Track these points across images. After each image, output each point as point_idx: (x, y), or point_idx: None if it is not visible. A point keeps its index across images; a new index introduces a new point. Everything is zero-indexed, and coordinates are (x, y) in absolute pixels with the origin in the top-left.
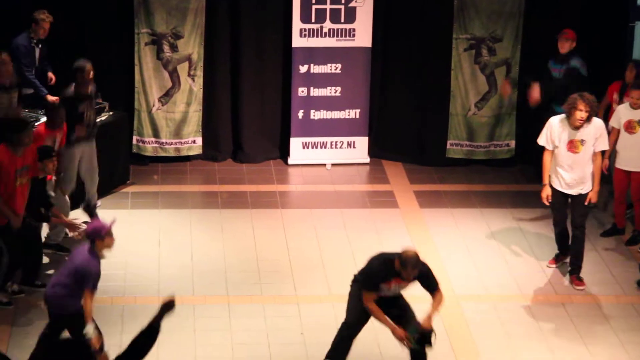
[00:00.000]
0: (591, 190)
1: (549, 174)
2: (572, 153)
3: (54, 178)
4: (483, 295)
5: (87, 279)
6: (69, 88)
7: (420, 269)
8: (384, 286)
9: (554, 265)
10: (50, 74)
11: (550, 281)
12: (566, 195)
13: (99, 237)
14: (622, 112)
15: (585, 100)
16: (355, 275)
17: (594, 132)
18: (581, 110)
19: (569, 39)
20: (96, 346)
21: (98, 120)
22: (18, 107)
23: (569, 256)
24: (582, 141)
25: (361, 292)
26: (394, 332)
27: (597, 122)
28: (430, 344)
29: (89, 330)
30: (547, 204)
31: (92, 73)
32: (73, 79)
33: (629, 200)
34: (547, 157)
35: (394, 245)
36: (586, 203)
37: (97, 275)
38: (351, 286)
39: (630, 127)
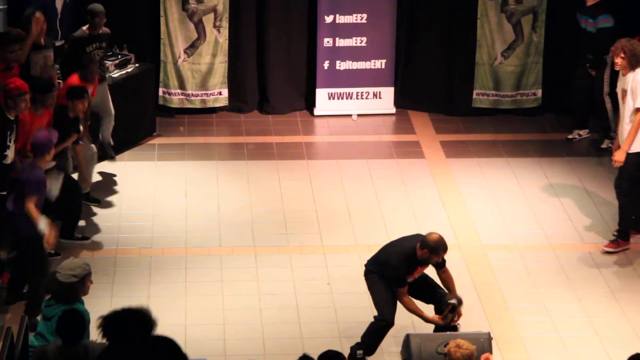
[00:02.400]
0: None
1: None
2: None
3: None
4: (510, 245)
5: (27, 188)
6: (80, 29)
7: None
8: (409, 278)
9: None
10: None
11: (577, 230)
12: None
13: (46, 151)
14: None
15: (619, 45)
16: (367, 266)
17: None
18: (617, 56)
19: None
20: (50, 241)
21: (124, 72)
22: (52, 68)
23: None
24: (624, 91)
25: (381, 282)
26: (429, 321)
27: (638, 73)
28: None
29: (42, 226)
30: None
31: (104, 18)
32: (86, 21)
33: None
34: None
35: (420, 196)
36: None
37: (36, 182)
38: (368, 278)
39: None
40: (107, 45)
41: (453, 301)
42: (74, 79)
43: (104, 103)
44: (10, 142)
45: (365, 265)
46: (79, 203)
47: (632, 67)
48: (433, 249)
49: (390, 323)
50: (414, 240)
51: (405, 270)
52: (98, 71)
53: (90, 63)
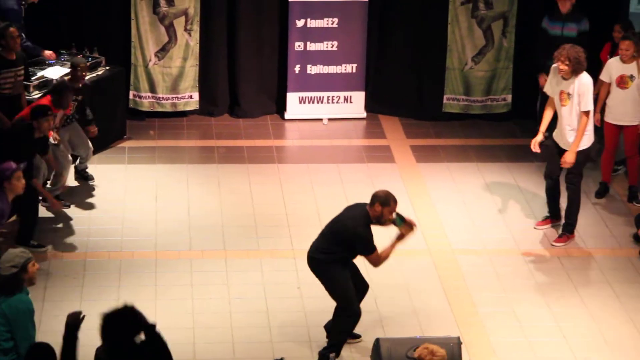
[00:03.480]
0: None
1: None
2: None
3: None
4: (479, 249)
5: None
6: (62, 79)
7: None
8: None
9: (541, 227)
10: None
11: (546, 234)
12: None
13: (5, 178)
14: (614, 67)
15: (564, 52)
16: (314, 255)
17: (578, 88)
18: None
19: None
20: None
21: (95, 74)
22: (21, 87)
23: (559, 220)
24: (568, 94)
25: (336, 270)
26: (396, 245)
27: (582, 77)
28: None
29: None
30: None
31: (86, 71)
32: (70, 73)
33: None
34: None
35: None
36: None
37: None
38: (320, 270)
39: (622, 82)
40: (84, 98)
41: (393, 216)
42: (45, 101)
43: (79, 139)
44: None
45: (311, 255)
46: (35, 211)
47: (576, 73)
48: (384, 200)
49: (359, 314)
50: (358, 207)
51: (371, 232)
52: (72, 117)
53: (64, 89)
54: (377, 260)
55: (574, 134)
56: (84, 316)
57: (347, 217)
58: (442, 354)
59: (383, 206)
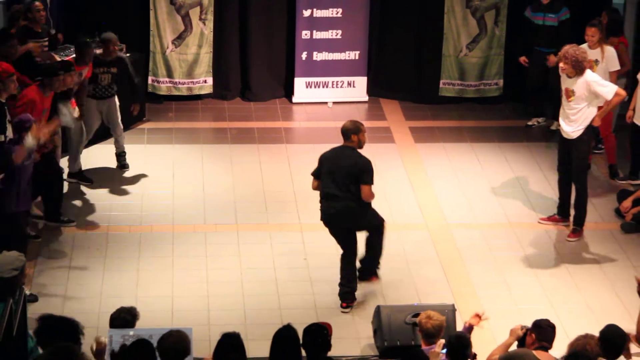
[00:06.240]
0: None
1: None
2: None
3: (76, 109)
4: (473, 224)
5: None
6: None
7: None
8: None
9: (545, 223)
10: (60, 35)
11: (534, 209)
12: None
13: (24, 129)
14: None
15: (564, 52)
16: (342, 210)
17: (584, 86)
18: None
19: None
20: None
21: None
22: (48, 53)
23: (565, 220)
24: (573, 91)
25: (364, 208)
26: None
27: (587, 75)
28: None
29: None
30: None
31: (116, 44)
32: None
33: None
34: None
35: (390, 177)
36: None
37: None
38: (353, 215)
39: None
40: (118, 70)
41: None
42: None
43: (111, 116)
44: (6, 123)
45: (330, 214)
46: (60, 186)
47: (578, 72)
48: (356, 129)
49: (353, 254)
50: (343, 149)
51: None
52: (110, 88)
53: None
54: (371, 192)
55: (573, 125)
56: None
57: (347, 157)
58: (439, 318)
59: (358, 134)
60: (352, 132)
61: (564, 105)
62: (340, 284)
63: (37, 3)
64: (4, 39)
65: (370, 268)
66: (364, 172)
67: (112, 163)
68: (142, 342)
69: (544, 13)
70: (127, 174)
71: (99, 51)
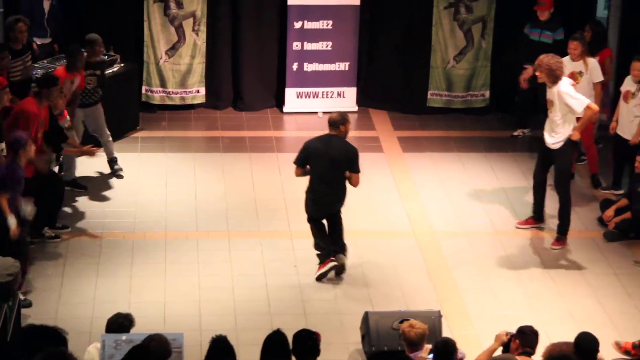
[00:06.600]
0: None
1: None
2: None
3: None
4: (459, 231)
5: (1, 183)
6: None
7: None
8: None
9: (523, 227)
10: (56, 46)
11: (519, 218)
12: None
13: (21, 146)
14: (565, 65)
15: (539, 61)
16: (336, 198)
17: (557, 97)
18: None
19: (547, 8)
20: (15, 233)
21: (111, 71)
22: (31, 67)
23: (540, 222)
24: (551, 102)
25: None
26: None
27: (561, 86)
28: None
29: (10, 221)
30: None
31: (101, 46)
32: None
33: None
34: None
35: (379, 186)
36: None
37: (11, 179)
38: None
39: (573, 77)
40: (101, 73)
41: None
42: (59, 70)
43: (97, 124)
44: None
45: (335, 199)
46: (60, 194)
47: (553, 81)
48: (342, 120)
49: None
50: (332, 139)
51: None
52: (95, 94)
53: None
54: (358, 179)
55: (555, 136)
56: None
57: (338, 147)
58: (422, 327)
59: (346, 124)
60: (340, 123)
61: (549, 117)
62: (326, 248)
63: (20, 24)
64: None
65: (336, 247)
66: (354, 160)
67: (106, 170)
68: (139, 349)
69: (541, 30)
70: (121, 181)
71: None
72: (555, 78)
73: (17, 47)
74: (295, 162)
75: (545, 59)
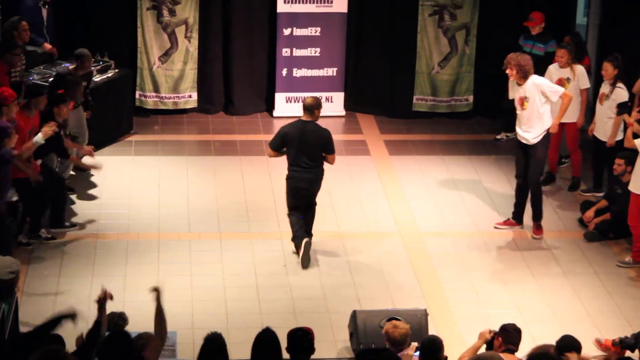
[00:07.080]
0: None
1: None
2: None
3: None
4: (444, 232)
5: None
6: (66, 68)
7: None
8: None
9: (501, 227)
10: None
11: (502, 218)
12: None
13: (7, 135)
14: (553, 72)
15: (508, 59)
16: (314, 179)
17: (534, 89)
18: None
19: (537, 24)
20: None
21: (105, 76)
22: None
23: (519, 224)
24: (526, 98)
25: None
26: None
27: (534, 79)
28: None
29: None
30: None
31: (90, 60)
32: (76, 62)
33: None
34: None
35: (366, 189)
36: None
37: None
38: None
39: (560, 84)
40: (87, 84)
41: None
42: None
43: (80, 125)
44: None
45: (312, 181)
46: (63, 194)
47: (524, 77)
48: (317, 105)
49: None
50: (306, 124)
51: None
52: (79, 97)
53: (77, 83)
54: (334, 158)
55: (532, 131)
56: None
57: (313, 131)
58: (405, 327)
59: (319, 108)
60: (315, 107)
61: (519, 116)
62: (300, 236)
63: (23, 22)
64: (7, 47)
65: (306, 233)
66: (329, 142)
67: (103, 173)
68: (119, 334)
69: (534, 42)
70: (115, 184)
71: (72, 66)
72: (525, 73)
73: (19, 43)
74: (270, 145)
75: (513, 55)
